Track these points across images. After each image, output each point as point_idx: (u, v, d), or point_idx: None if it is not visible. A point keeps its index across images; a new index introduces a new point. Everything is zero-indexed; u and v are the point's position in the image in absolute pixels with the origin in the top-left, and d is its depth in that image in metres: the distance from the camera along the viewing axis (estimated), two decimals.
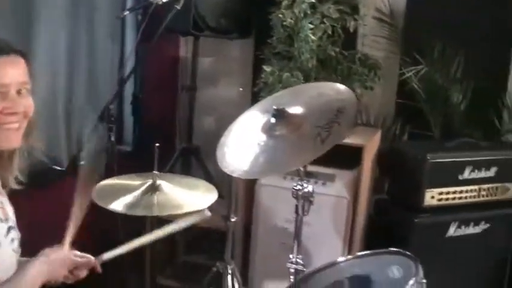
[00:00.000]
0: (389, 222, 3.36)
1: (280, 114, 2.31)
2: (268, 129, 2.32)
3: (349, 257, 2.21)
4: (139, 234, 2.14)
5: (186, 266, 3.96)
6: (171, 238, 3.89)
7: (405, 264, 2.09)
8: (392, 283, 2.02)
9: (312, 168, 3.15)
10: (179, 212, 2.26)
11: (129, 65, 3.65)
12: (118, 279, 2.94)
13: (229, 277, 2.80)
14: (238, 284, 2.83)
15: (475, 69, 3.67)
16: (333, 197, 3.22)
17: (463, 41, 3.64)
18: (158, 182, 2.36)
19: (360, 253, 2.24)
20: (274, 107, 2.32)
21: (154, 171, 2.38)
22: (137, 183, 2.38)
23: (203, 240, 3.79)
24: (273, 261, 2.92)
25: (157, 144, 2.40)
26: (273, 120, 2.31)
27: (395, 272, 2.05)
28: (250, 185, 3.36)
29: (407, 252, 2.12)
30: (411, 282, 1.97)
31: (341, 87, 2.43)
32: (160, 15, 3.03)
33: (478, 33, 3.74)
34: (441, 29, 3.73)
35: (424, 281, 2.00)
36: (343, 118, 2.26)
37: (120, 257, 2.02)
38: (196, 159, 4.01)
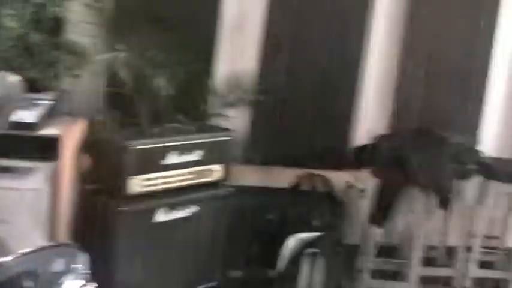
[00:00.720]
0: (95, 212, 3.31)
1: None
2: None
3: (17, 255, 2.13)
4: None
5: None
6: None
7: (71, 256, 2.06)
8: (53, 276, 1.98)
9: (7, 163, 3.02)
10: None
11: None
12: None
13: None
14: None
15: (182, 56, 3.71)
16: (31, 191, 3.09)
17: (169, 28, 3.68)
18: None
19: (26, 250, 2.16)
20: None
21: None
22: None
23: None
24: None
25: None
26: None
27: (57, 265, 2.02)
28: None
29: (71, 243, 2.11)
30: (70, 273, 1.96)
31: (7, 76, 2.35)
32: None
33: (184, 21, 3.82)
34: (148, 15, 3.74)
35: (87, 271, 1.99)
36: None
37: None
38: None
